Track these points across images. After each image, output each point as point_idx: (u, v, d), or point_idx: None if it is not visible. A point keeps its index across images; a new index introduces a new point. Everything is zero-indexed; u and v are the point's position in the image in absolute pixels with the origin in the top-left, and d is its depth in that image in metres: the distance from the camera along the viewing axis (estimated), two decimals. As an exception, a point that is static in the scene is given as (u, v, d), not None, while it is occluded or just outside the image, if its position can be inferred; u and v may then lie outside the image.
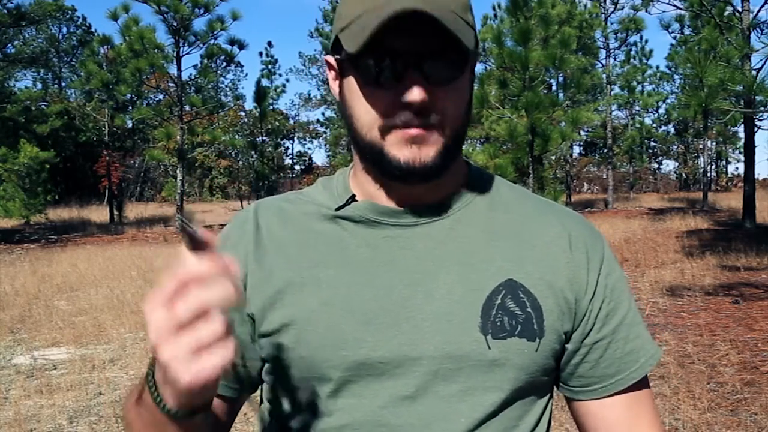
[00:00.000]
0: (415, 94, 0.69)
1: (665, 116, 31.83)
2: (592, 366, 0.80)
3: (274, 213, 0.84)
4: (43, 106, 24.71)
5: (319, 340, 0.75)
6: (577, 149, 35.95)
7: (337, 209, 0.81)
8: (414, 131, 0.72)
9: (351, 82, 0.75)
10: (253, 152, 25.57)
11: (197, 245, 0.53)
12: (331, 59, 0.78)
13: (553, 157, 23.17)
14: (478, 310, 0.75)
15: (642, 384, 0.82)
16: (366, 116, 0.74)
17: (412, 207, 0.79)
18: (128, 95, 26.58)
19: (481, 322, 0.74)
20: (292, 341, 0.77)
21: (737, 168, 39.00)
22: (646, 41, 37.70)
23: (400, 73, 0.70)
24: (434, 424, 0.74)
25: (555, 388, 0.86)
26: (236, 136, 29.14)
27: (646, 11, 21.55)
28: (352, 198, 0.81)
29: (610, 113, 24.64)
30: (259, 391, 0.91)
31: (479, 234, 0.79)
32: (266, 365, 0.83)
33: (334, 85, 0.80)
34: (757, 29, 11.50)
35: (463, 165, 0.85)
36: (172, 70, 17.80)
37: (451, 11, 0.70)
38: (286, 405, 0.81)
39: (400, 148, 0.73)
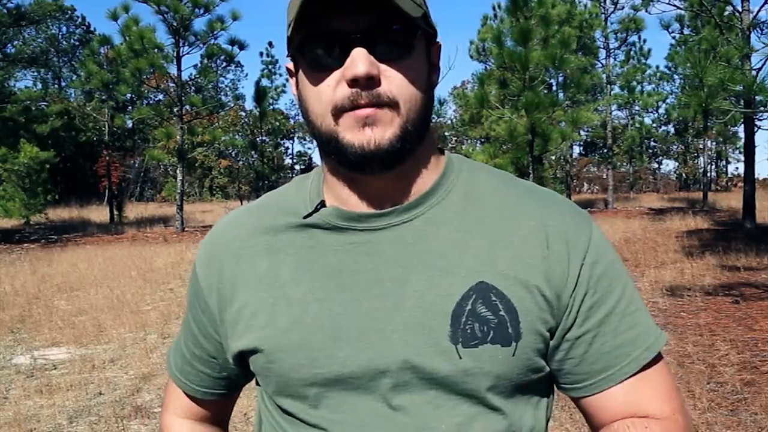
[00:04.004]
0: (358, 66, 0.66)
1: (665, 116, 31.84)
2: (578, 362, 0.75)
3: (235, 240, 0.82)
4: (43, 106, 24.65)
5: (291, 359, 0.75)
6: (577, 149, 35.97)
7: (305, 217, 0.78)
8: (365, 111, 0.68)
9: (302, 76, 0.73)
10: (253, 152, 25.55)
11: None
12: (289, 65, 0.77)
13: (553, 157, 23.18)
14: (448, 317, 0.71)
15: (647, 367, 0.75)
16: (318, 106, 0.71)
17: (381, 209, 0.75)
18: (128, 95, 26.60)
19: (451, 331, 0.71)
20: (267, 362, 0.76)
21: (737, 168, 39.05)
22: (645, 41, 37.68)
23: (343, 52, 0.67)
24: None
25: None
26: (236, 136, 29.19)
27: (646, 11, 21.53)
28: (321, 204, 0.78)
29: (610, 113, 24.64)
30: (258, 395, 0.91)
31: (451, 234, 0.75)
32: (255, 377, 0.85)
33: (295, 91, 0.77)
34: (757, 29, 11.48)
35: (440, 158, 0.80)
36: (172, 70, 17.88)
37: None
38: (271, 418, 0.82)
39: (354, 133, 0.69)
